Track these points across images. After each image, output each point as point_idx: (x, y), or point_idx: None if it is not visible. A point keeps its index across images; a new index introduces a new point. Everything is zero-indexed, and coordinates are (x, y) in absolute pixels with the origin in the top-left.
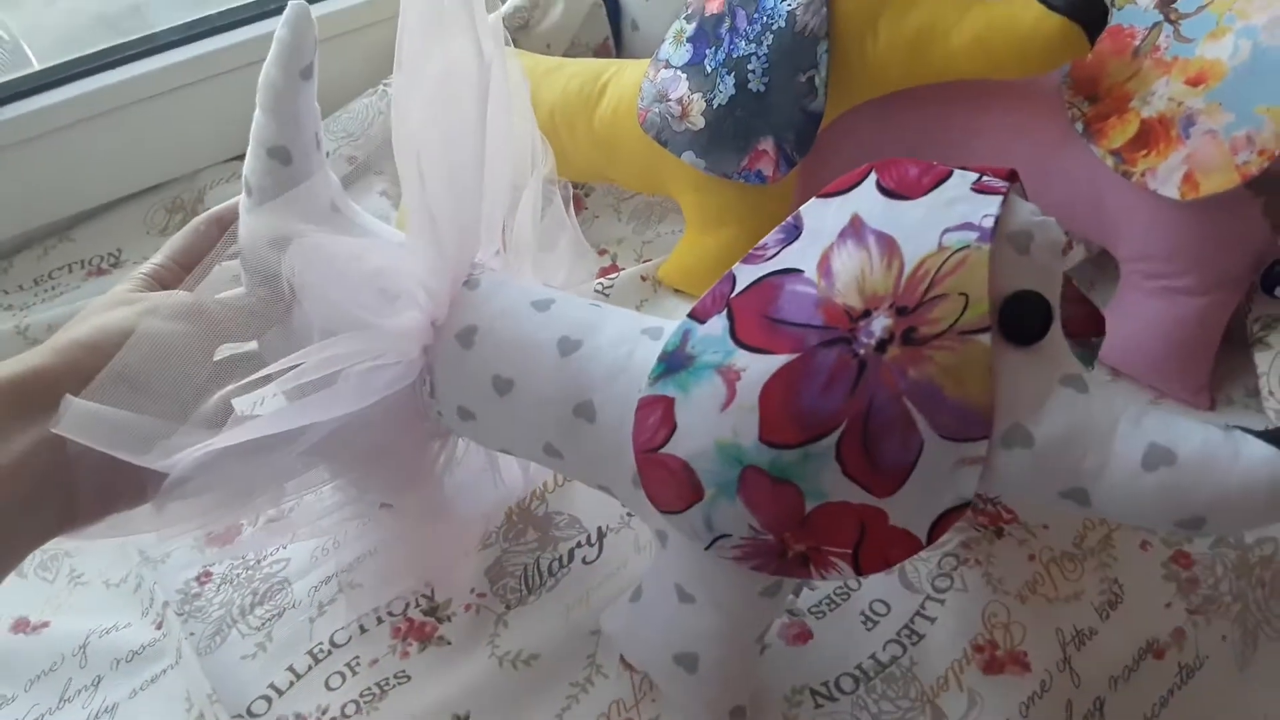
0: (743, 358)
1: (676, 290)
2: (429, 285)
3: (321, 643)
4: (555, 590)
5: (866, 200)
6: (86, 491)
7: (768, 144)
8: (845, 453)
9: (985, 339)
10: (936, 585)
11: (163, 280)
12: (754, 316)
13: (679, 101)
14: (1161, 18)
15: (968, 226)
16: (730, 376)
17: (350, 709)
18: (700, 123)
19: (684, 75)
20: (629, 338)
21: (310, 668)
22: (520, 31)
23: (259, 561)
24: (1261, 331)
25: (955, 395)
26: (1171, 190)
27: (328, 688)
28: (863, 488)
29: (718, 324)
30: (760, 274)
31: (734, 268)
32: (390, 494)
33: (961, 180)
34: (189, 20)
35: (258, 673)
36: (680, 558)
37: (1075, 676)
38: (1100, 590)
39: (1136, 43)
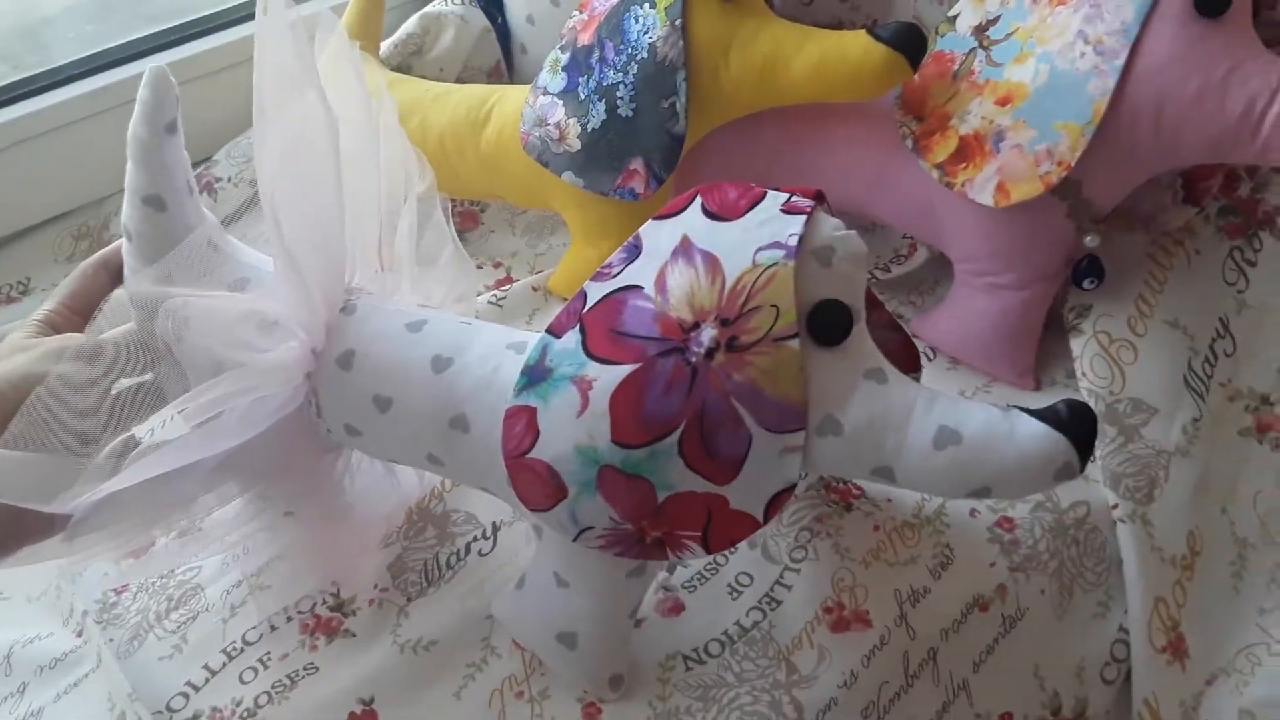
0: (594, 369)
1: (564, 299)
2: (301, 318)
3: (234, 641)
4: (452, 582)
5: (694, 222)
6: None
7: (638, 164)
8: (686, 448)
9: (795, 344)
10: (793, 557)
11: (55, 325)
12: (602, 330)
13: (557, 126)
14: (976, 44)
15: (776, 245)
16: (584, 386)
17: (263, 699)
18: (577, 145)
19: (560, 101)
20: (495, 353)
21: (224, 664)
22: (414, 57)
23: (172, 571)
24: (1076, 319)
25: (774, 394)
26: (987, 199)
27: (241, 681)
28: (705, 478)
29: (572, 338)
30: (607, 290)
31: (585, 285)
32: (292, 503)
33: (773, 202)
34: (88, 54)
35: (175, 672)
36: (554, 548)
37: (911, 630)
38: (934, 554)
39: (955, 67)
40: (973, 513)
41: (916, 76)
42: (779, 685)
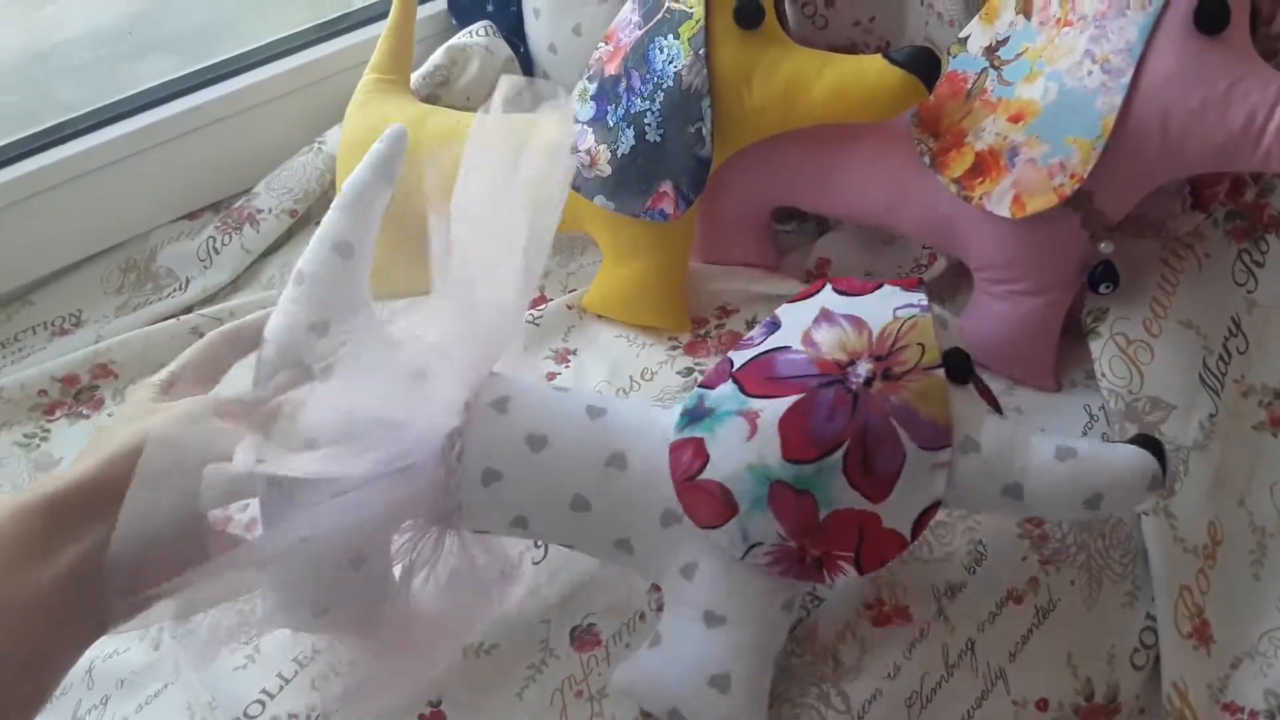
0: (757, 403)
1: (599, 316)
2: (463, 371)
3: (305, 650)
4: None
5: (829, 299)
6: (116, 595)
7: (667, 186)
8: (850, 465)
9: (940, 373)
10: None
11: (175, 387)
12: (758, 378)
13: (588, 152)
14: (988, 64)
15: (911, 305)
16: (750, 416)
17: (334, 704)
18: (607, 170)
19: (590, 129)
20: (643, 408)
21: (297, 673)
22: (441, 88)
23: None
24: (1094, 323)
25: (926, 414)
26: (1004, 210)
27: (314, 688)
28: (863, 495)
29: (727, 388)
30: (753, 354)
31: (729, 354)
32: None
33: (891, 286)
34: (128, 95)
35: (250, 680)
36: (710, 585)
37: (949, 623)
38: (968, 551)
39: (968, 86)
40: None
41: (931, 96)
42: (826, 678)
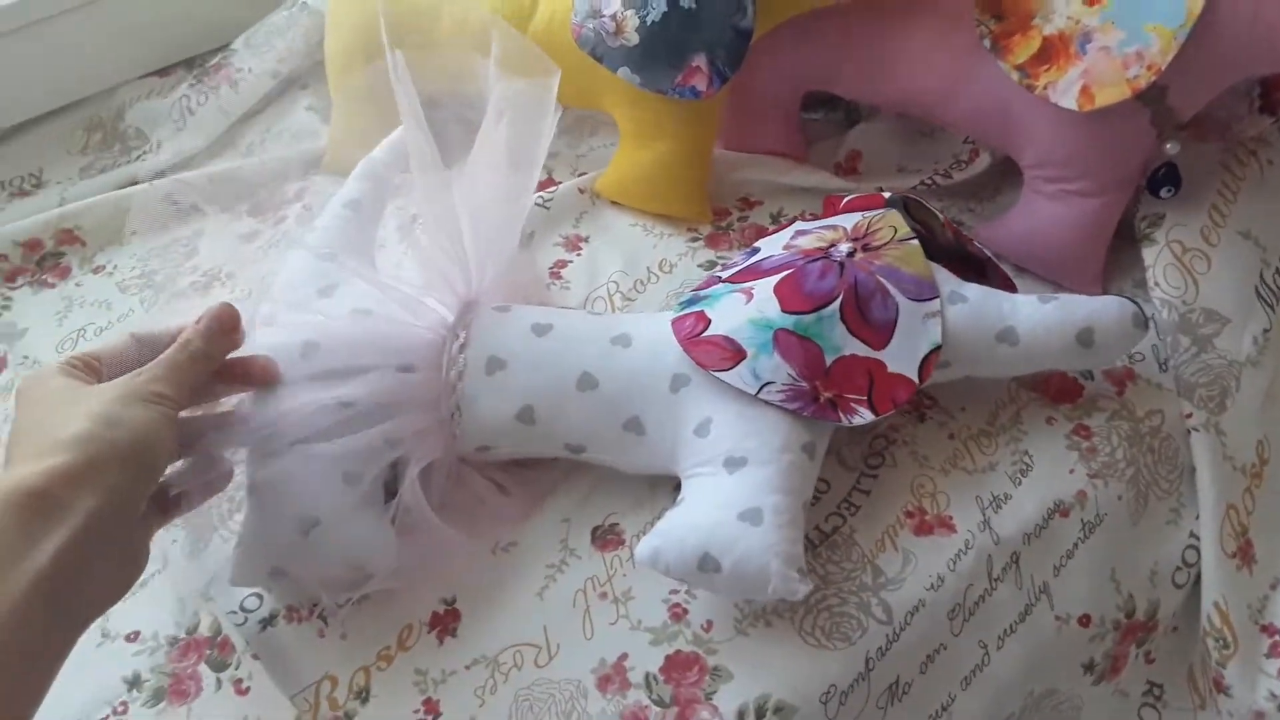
0: (749, 284)
1: (613, 203)
2: (456, 277)
3: None
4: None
5: (801, 225)
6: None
7: (701, 60)
8: (847, 314)
9: (915, 243)
10: (869, 463)
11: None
12: (747, 275)
13: (613, 18)
14: None
15: (877, 210)
16: (745, 291)
17: (341, 599)
18: (635, 39)
19: None
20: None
21: None
22: None
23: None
24: (1148, 229)
25: (909, 271)
26: (1070, 102)
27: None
28: (864, 342)
29: (717, 287)
30: (738, 268)
31: (707, 277)
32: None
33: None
34: None
35: None
36: (726, 431)
37: (994, 535)
38: (1013, 461)
39: None
40: (1049, 420)
41: None
42: (866, 588)
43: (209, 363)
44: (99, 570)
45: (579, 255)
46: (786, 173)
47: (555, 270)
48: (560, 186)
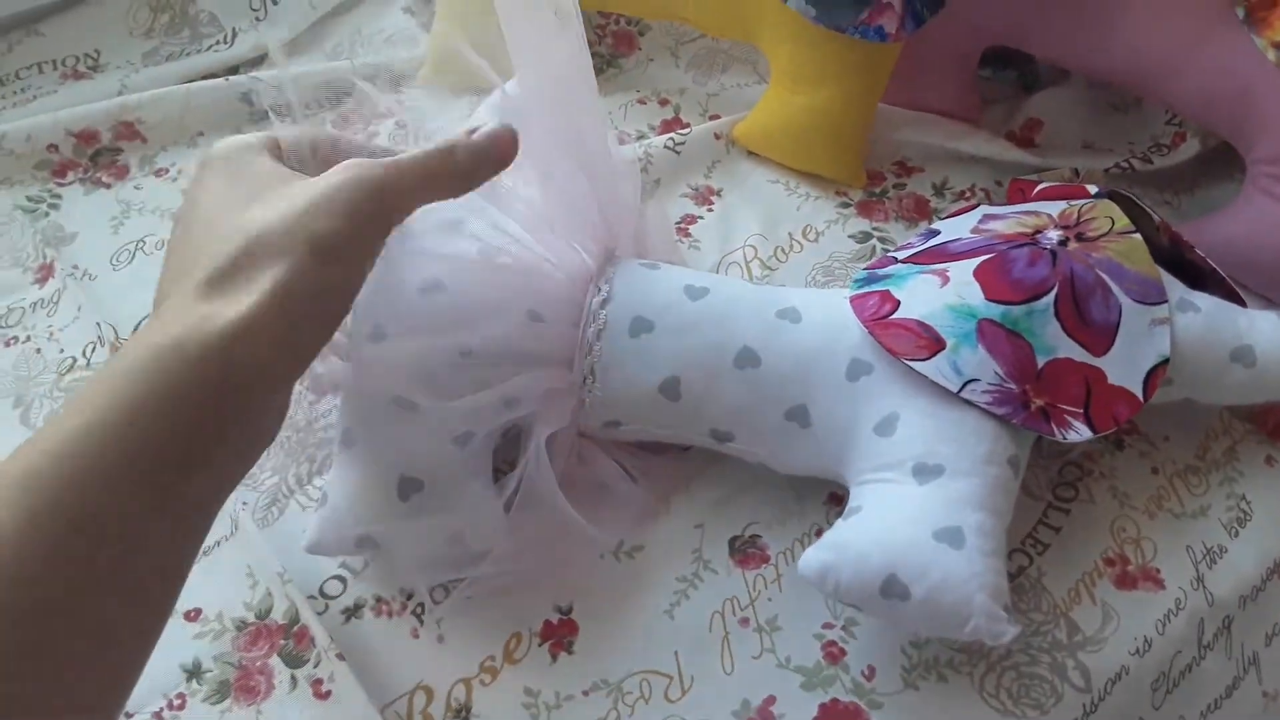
0: (942, 265)
1: (751, 153)
2: (595, 220)
3: None
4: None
5: (989, 209)
6: None
7: None
8: (1062, 311)
9: (1138, 236)
10: (1059, 495)
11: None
12: (935, 257)
13: None
14: None
15: (1085, 195)
16: (939, 273)
17: (440, 594)
18: None
19: None
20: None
21: None
22: None
23: (310, 424)
24: None
25: (1133, 268)
26: None
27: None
28: (1081, 345)
29: (898, 267)
30: (920, 249)
31: (881, 257)
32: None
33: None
34: None
35: None
36: (918, 432)
37: (1209, 595)
38: (1228, 507)
39: None
40: (1269, 460)
41: None
42: (1060, 645)
43: (464, 186)
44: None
45: (710, 211)
46: (957, 138)
47: (683, 227)
48: (693, 130)
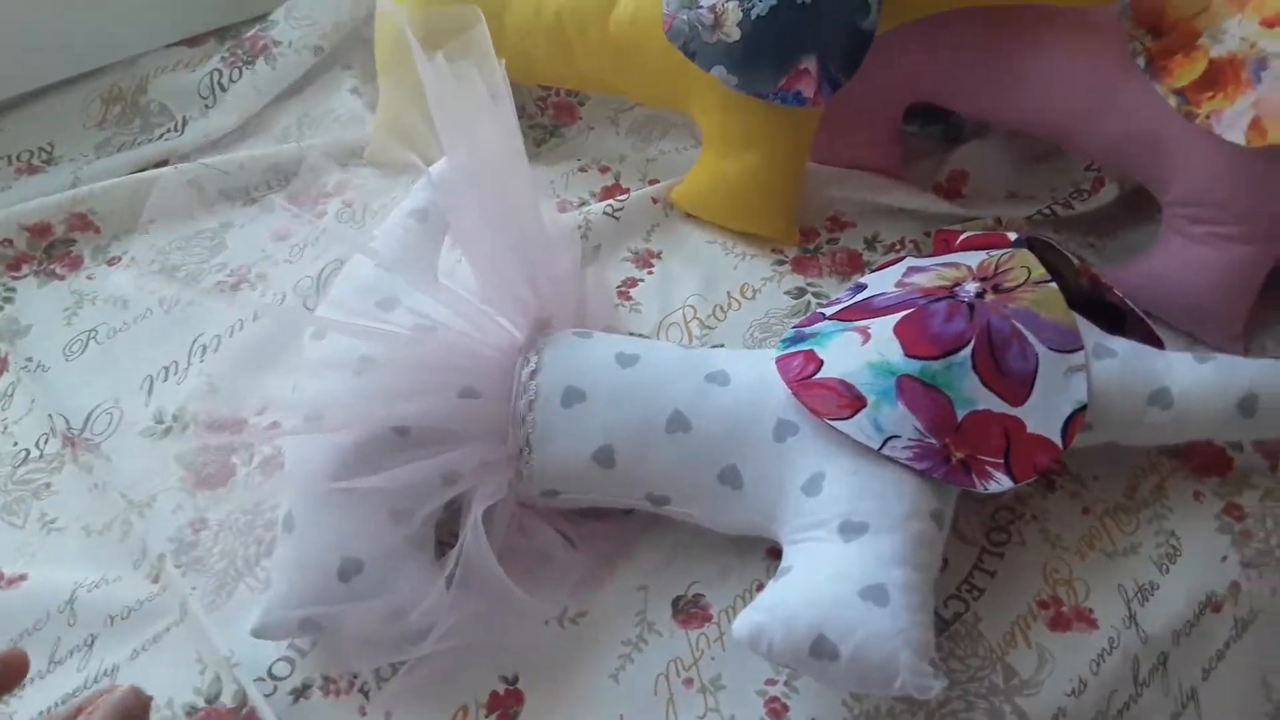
0: (864, 322)
1: (688, 215)
2: (524, 292)
3: None
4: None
5: (913, 261)
6: None
7: (810, 63)
8: (979, 363)
9: (1054, 285)
10: (992, 539)
11: None
12: (858, 313)
13: (711, 9)
14: None
15: (1003, 249)
16: (860, 330)
17: (387, 671)
18: (735, 34)
19: None
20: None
21: None
22: None
23: (256, 506)
24: None
25: (1049, 317)
26: (1237, 136)
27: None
28: (1000, 396)
29: (824, 324)
30: (846, 305)
31: (811, 313)
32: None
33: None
34: None
35: None
36: (842, 490)
37: (1141, 632)
38: (1157, 544)
39: None
40: (1196, 495)
41: None
42: (997, 690)
43: None
44: None
45: (650, 274)
46: (884, 192)
47: (624, 290)
48: (630, 195)
